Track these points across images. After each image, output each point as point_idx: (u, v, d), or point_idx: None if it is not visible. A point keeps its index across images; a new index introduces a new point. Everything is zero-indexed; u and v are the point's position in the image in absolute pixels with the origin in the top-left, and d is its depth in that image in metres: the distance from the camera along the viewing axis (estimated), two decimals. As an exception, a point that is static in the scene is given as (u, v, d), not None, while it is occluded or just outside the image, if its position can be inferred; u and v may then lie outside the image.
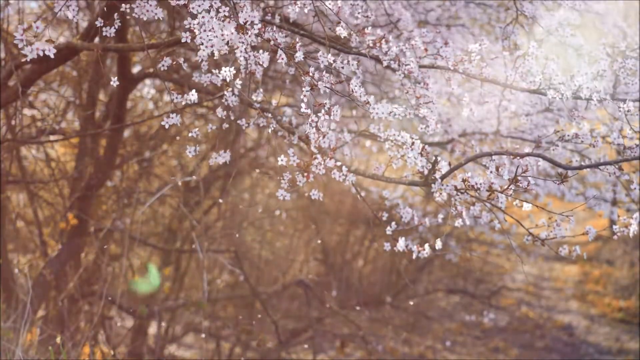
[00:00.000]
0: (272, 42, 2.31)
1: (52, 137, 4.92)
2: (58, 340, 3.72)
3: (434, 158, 2.38)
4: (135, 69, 5.15)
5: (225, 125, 2.67)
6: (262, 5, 3.37)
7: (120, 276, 5.34)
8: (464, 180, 2.39)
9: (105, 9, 2.79)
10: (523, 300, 10.65)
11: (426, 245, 2.50)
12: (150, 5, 2.35)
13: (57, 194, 5.38)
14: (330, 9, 2.49)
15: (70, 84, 5.29)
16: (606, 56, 2.59)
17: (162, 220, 6.85)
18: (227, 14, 2.19)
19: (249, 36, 2.21)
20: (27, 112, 4.89)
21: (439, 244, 2.52)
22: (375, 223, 2.65)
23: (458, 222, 2.50)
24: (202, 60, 2.25)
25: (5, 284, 4.42)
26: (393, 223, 2.55)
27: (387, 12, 3.70)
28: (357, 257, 9.47)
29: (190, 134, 2.54)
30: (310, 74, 2.36)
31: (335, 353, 8.01)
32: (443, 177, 2.40)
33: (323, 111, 2.31)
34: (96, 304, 4.97)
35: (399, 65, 2.54)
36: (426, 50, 2.64)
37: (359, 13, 2.64)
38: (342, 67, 2.41)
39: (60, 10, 2.33)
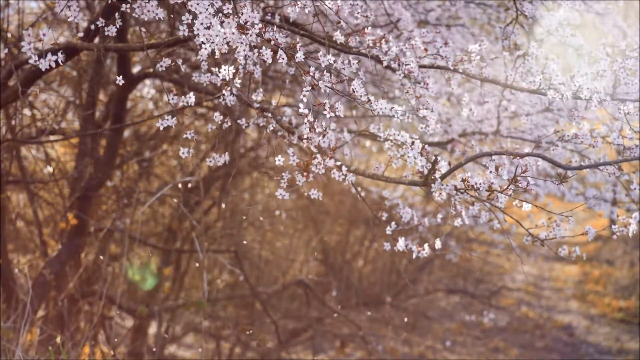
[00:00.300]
0: (272, 42, 2.31)
1: (52, 137, 4.92)
2: (58, 340, 3.72)
3: (433, 158, 2.38)
4: (135, 69, 5.15)
5: (225, 125, 2.67)
6: (262, 5, 3.37)
7: (120, 276, 5.34)
8: (463, 180, 2.39)
9: (105, 8, 2.79)
10: (523, 300, 10.65)
11: (426, 245, 2.50)
12: (152, 6, 2.36)
13: (57, 194, 5.38)
14: (330, 8, 2.49)
15: (70, 84, 5.29)
16: (606, 56, 2.59)
17: (162, 220, 6.85)
18: (230, 11, 2.19)
19: (250, 36, 2.22)
20: (27, 112, 4.89)
21: (438, 244, 2.52)
22: (375, 223, 2.65)
23: (457, 222, 2.50)
24: (202, 60, 2.26)
25: (5, 284, 4.42)
26: (393, 223, 2.55)
27: (387, 12, 3.71)
28: (357, 257, 9.47)
29: (185, 136, 2.53)
30: (311, 74, 2.36)
31: (335, 353, 8.01)
32: (443, 177, 2.40)
33: (327, 107, 2.31)
34: (96, 304, 4.97)
35: (399, 65, 2.54)
36: (426, 50, 2.64)
37: (358, 13, 2.64)
38: (343, 68, 2.41)
39: (61, 10, 2.33)
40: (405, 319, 8.59)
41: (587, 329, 9.55)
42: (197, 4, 2.17)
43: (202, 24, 2.16)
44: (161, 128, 2.48)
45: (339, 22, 2.55)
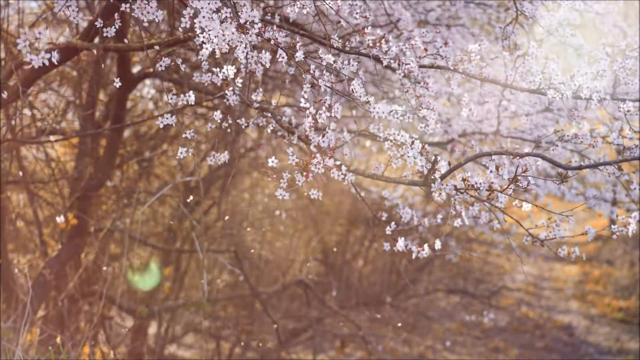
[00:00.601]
0: (272, 42, 2.31)
1: (52, 137, 4.92)
2: (58, 340, 3.72)
3: (433, 158, 2.38)
4: (135, 69, 5.15)
5: (225, 124, 2.67)
6: (262, 5, 3.37)
7: (120, 276, 5.34)
8: (463, 180, 2.39)
9: (105, 8, 2.79)
10: (523, 300, 10.65)
11: (425, 246, 2.50)
12: (151, 7, 2.36)
13: (57, 194, 5.38)
14: (330, 7, 2.49)
15: (70, 84, 5.29)
16: (606, 56, 2.59)
17: (162, 220, 6.85)
18: (229, 15, 2.19)
19: (249, 35, 2.22)
20: (27, 112, 4.89)
21: (438, 244, 2.52)
22: (375, 223, 2.65)
23: (457, 223, 2.50)
24: (202, 60, 2.26)
25: (5, 284, 4.42)
26: (393, 223, 2.55)
27: (387, 12, 3.71)
28: (357, 257, 9.47)
29: (184, 135, 2.53)
30: (311, 72, 2.36)
31: (335, 353, 8.01)
32: (443, 177, 2.40)
33: (324, 108, 2.32)
34: (96, 304, 4.97)
35: (399, 64, 2.54)
36: (426, 50, 2.64)
37: (357, 13, 2.64)
38: (343, 68, 2.41)
39: (60, 10, 2.33)
40: (399, 324, 8.58)
41: (587, 329, 9.55)
42: (198, 1, 2.17)
43: (204, 20, 2.16)
44: (161, 126, 2.48)
45: (339, 22, 2.55)
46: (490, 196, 2.41)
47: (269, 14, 3.15)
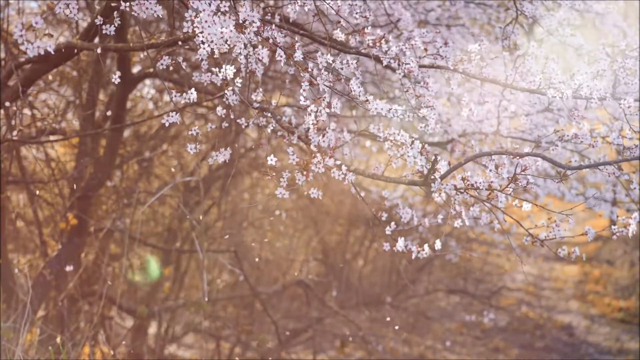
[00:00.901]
0: (270, 41, 2.31)
1: (52, 137, 4.92)
2: (58, 340, 3.72)
3: (433, 157, 2.38)
4: (135, 69, 5.15)
5: (225, 124, 2.67)
6: (262, 5, 3.37)
7: (120, 276, 5.34)
8: (463, 179, 2.39)
9: (105, 8, 2.79)
10: (523, 300, 10.65)
11: (426, 246, 2.49)
12: (150, 3, 2.35)
13: (57, 194, 5.38)
14: (330, 7, 2.49)
15: (70, 84, 5.29)
16: (606, 56, 2.59)
17: (162, 220, 6.85)
18: (227, 9, 2.19)
19: (248, 34, 2.22)
20: (27, 112, 4.89)
21: (438, 245, 2.52)
22: (375, 223, 2.65)
23: (457, 223, 2.50)
24: (202, 60, 2.26)
25: (5, 284, 4.42)
26: (393, 223, 2.55)
27: (387, 12, 3.71)
28: (357, 257, 9.47)
29: (189, 133, 2.54)
30: (309, 70, 2.36)
31: (335, 353, 8.01)
32: (443, 177, 2.40)
33: (323, 104, 2.32)
34: (96, 304, 4.97)
35: (398, 64, 2.54)
36: (426, 50, 2.64)
37: (357, 13, 2.64)
38: (342, 68, 2.41)
39: (60, 9, 2.33)
40: (398, 326, 8.58)
41: (587, 329, 9.55)
42: (199, 1, 2.17)
43: (206, 21, 2.16)
44: (166, 124, 2.48)
45: (339, 22, 2.54)
46: (490, 196, 2.41)
47: (269, 14, 3.15)
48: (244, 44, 2.23)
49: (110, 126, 4.78)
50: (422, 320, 9.28)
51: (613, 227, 2.49)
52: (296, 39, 2.50)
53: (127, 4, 2.40)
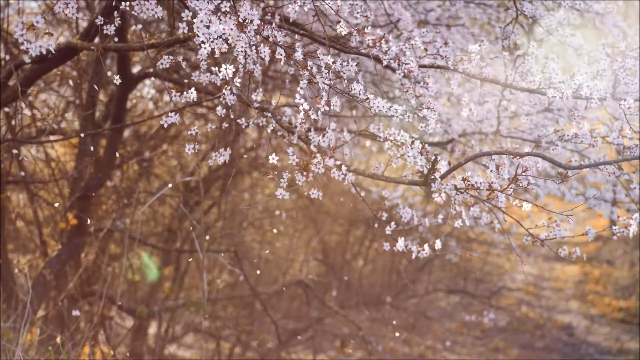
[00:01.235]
0: (270, 40, 2.31)
1: (52, 137, 4.92)
2: (58, 340, 3.72)
3: (433, 157, 2.38)
4: (135, 69, 5.15)
5: (225, 124, 2.67)
6: (262, 5, 3.37)
7: (120, 276, 5.34)
8: (463, 179, 2.39)
9: (105, 7, 2.79)
10: (523, 300, 10.64)
11: (426, 246, 2.49)
12: (150, 4, 2.35)
13: (57, 194, 5.38)
14: (330, 7, 2.49)
15: (70, 84, 5.29)
16: (606, 56, 2.59)
17: (162, 220, 6.85)
18: (227, 9, 2.19)
19: (248, 32, 2.22)
20: (27, 112, 4.89)
21: (438, 244, 2.52)
22: (375, 223, 2.65)
23: (457, 223, 2.50)
24: (201, 59, 2.25)
25: (5, 284, 4.42)
26: (393, 223, 2.55)
27: (387, 12, 3.71)
28: (357, 257, 9.47)
29: (189, 132, 2.54)
30: (308, 68, 2.36)
31: (335, 353, 8.01)
32: (443, 177, 2.40)
33: (322, 102, 2.32)
34: (96, 304, 4.97)
35: (398, 64, 2.53)
36: (426, 50, 2.64)
37: (357, 13, 2.64)
38: (342, 70, 2.41)
39: (59, 9, 2.33)
40: (397, 325, 8.58)
41: (587, 329, 9.55)
42: (197, 1, 2.17)
43: (202, 21, 2.16)
44: (165, 125, 2.48)
45: (339, 22, 2.54)
46: (490, 196, 2.40)
47: (269, 14, 3.14)
48: (246, 44, 2.23)
49: (110, 126, 4.78)
50: (422, 320, 9.28)
51: (614, 227, 2.49)
52: (296, 38, 2.50)
53: (127, 3, 2.40)
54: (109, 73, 4.68)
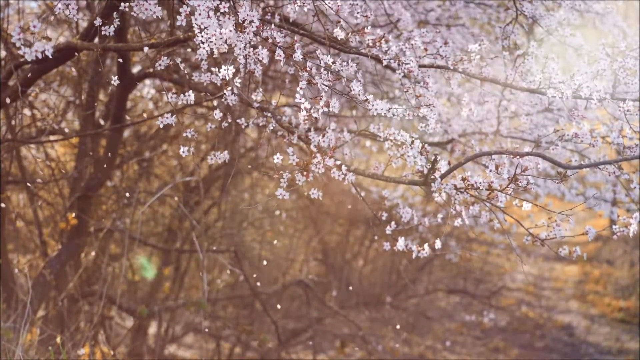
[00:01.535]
0: (270, 41, 2.31)
1: (52, 137, 4.92)
2: (58, 340, 3.72)
3: (433, 157, 2.38)
4: (135, 69, 5.15)
5: (225, 124, 2.67)
6: (261, 5, 3.37)
7: (120, 276, 5.34)
8: (463, 179, 2.39)
9: (104, 8, 2.79)
10: (523, 300, 10.64)
11: (426, 245, 2.50)
12: (149, 4, 2.35)
13: (57, 194, 5.38)
14: (330, 7, 2.49)
15: (70, 84, 5.29)
16: (606, 56, 2.59)
17: (162, 220, 6.85)
18: (227, 10, 2.19)
19: (247, 33, 2.22)
20: (27, 112, 4.89)
21: (438, 244, 2.52)
22: (375, 223, 2.65)
23: (457, 222, 2.50)
24: (201, 59, 2.25)
25: (5, 284, 4.42)
26: (393, 223, 2.55)
27: (387, 12, 3.71)
28: (357, 257, 9.47)
29: (185, 134, 2.54)
30: (308, 69, 2.36)
31: (335, 353, 8.01)
32: (443, 177, 2.40)
33: (321, 103, 2.32)
34: (96, 304, 4.97)
35: (398, 64, 2.53)
36: (426, 50, 2.64)
37: (357, 13, 2.64)
38: (342, 69, 2.41)
39: (59, 9, 2.33)
40: (398, 326, 8.58)
41: (587, 329, 9.55)
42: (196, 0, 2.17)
43: (201, 24, 2.16)
44: (161, 126, 2.48)
45: (339, 22, 2.54)
46: (490, 196, 2.40)
47: (269, 14, 3.14)
48: (245, 44, 2.23)
49: (110, 126, 4.78)
50: (422, 320, 9.28)
51: (614, 226, 2.49)
52: (296, 38, 2.50)
53: (127, 4, 2.40)
54: (110, 74, 4.68)
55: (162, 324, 6.24)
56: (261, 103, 2.52)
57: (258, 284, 6.44)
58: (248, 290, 6.45)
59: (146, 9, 2.35)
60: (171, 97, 2.48)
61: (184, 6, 2.22)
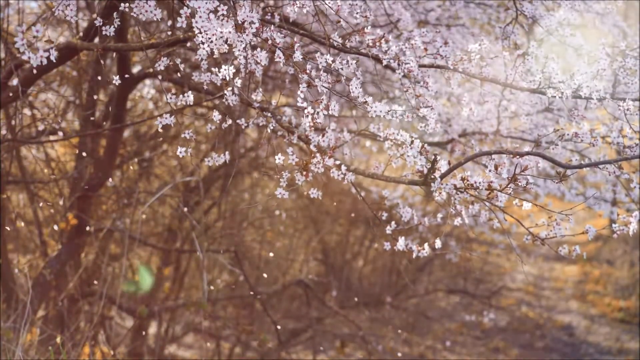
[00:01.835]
0: (269, 42, 2.31)
1: (52, 137, 4.92)
2: (58, 340, 3.72)
3: (433, 157, 2.38)
4: (135, 69, 5.15)
5: (225, 125, 2.67)
6: (261, 5, 3.37)
7: (120, 276, 5.34)
8: (463, 179, 2.39)
9: (104, 8, 2.79)
10: (523, 300, 10.65)
11: (426, 245, 2.50)
12: (149, 6, 2.35)
13: (57, 194, 5.38)
14: (330, 7, 2.49)
15: (70, 84, 5.29)
16: (606, 56, 2.59)
17: (162, 220, 6.85)
18: (225, 12, 2.19)
19: (247, 35, 2.22)
20: (27, 112, 4.89)
21: (438, 244, 2.52)
22: (375, 223, 2.65)
23: (457, 222, 2.50)
24: (201, 60, 2.25)
25: (5, 284, 4.42)
26: (393, 223, 2.55)
27: (387, 12, 3.71)
28: (357, 257, 9.47)
29: (183, 135, 2.54)
30: (308, 71, 2.36)
31: (335, 353, 8.01)
32: (442, 176, 2.40)
33: (321, 106, 2.32)
34: (96, 304, 4.97)
35: (398, 64, 2.54)
36: (426, 50, 2.64)
37: (357, 13, 2.64)
38: (342, 68, 2.41)
39: (59, 9, 2.33)
40: (399, 327, 8.58)
41: (587, 329, 9.55)
42: (196, 0, 2.17)
43: (201, 25, 2.16)
44: (159, 127, 2.48)
45: (339, 22, 2.55)
46: (490, 195, 2.41)
47: (269, 14, 3.15)
48: (245, 45, 2.23)
49: (110, 126, 4.78)
50: (422, 320, 9.29)
51: (614, 225, 2.49)
52: (296, 39, 2.50)
53: (127, 4, 2.40)
54: (110, 74, 4.68)
55: (162, 324, 6.24)
56: (261, 103, 2.52)
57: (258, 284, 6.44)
58: (248, 290, 6.45)
59: (146, 11, 2.35)
60: (171, 98, 2.48)
61: (185, 7, 2.22)
